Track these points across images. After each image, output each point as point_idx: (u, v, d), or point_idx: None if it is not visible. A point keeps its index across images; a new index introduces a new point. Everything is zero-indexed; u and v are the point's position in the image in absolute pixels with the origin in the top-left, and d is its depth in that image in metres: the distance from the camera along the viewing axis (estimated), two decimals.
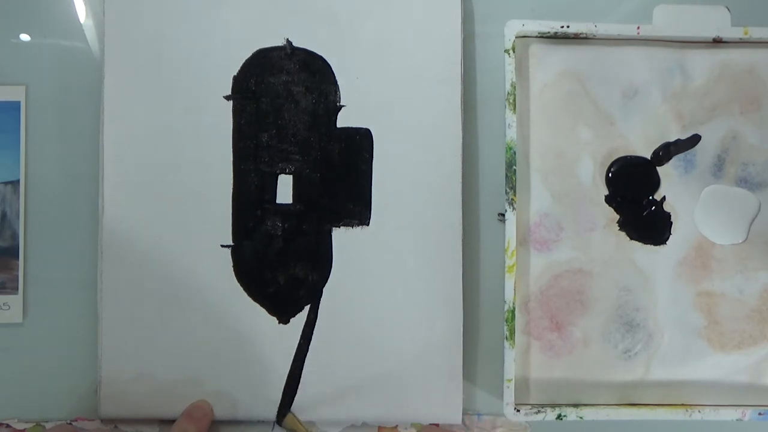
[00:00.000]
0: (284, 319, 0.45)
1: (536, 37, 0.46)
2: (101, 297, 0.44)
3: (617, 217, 0.47)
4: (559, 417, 0.45)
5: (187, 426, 0.42)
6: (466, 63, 0.46)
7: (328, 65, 0.45)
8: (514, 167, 0.45)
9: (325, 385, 0.45)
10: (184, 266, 0.45)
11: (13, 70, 0.46)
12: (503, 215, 0.45)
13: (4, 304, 0.46)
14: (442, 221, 0.45)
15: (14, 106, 0.46)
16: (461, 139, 0.45)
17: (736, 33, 0.46)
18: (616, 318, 0.46)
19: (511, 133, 0.45)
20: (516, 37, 0.45)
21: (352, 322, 0.45)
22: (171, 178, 0.45)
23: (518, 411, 0.44)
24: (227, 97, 0.45)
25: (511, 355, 0.44)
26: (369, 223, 0.45)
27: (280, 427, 0.45)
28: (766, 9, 0.47)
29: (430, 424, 0.46)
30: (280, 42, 0.45)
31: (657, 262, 0.46)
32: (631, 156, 0.47)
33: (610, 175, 0.47)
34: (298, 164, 0.45)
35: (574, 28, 0.46)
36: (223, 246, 0.45)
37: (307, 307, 0.45)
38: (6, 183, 0.46)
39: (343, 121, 0.46)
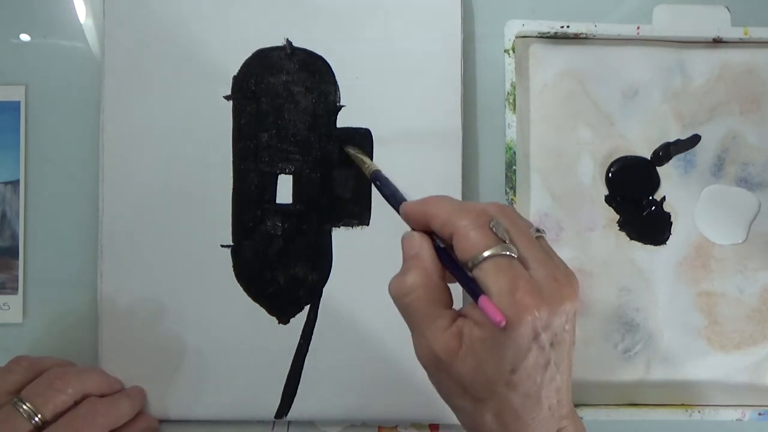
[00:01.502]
0: (284, 319, 0.45)
1: (536, 37, 0.46)
2: (101, 297, 0.44)
3: (617, 217, 0.47)
4: None
5: (121, 397, 0.42)
6: (466, 63, 0.46)
7: (328, 65, 0.45)
8: (514, 167, 0.45)
9: (325, 385, 0.45)
10: (184, 266, 0.45)
11: (13, 70, 0.46)
12: None
13: (4, 304, 0.46)
14: None
15: (14, 106, 0.46)
16: (461, 139, 0.45)
17: (736, 33, 0.46)
18: (616, 318, 0.46)
19: (511, 133, 0.45)
20: (516, 37, 0.46)
21: (352, 322, 0.45)
22: (171, 178, 0.45)
23: None
24: (227, 97, 0.45)
25: None
26: (369, 223, 0.45)
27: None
28: (766, 9, 0.47)
29: (431, 424, 0.46)
30: (280, 42, 0.45)
31: (657, 262, 0.46)
32: (631, 156, 0.47)
33: (610, 175, 0.47)
34: (298, 164, 0.45)
35: (574, 28, 0.46)
36: (223, 246, 0.45)
37: (307, 307, 0.45)
38: (6, 183, 0.46)
39: (343, 121, 0.45)
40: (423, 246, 0.33)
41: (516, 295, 0.29)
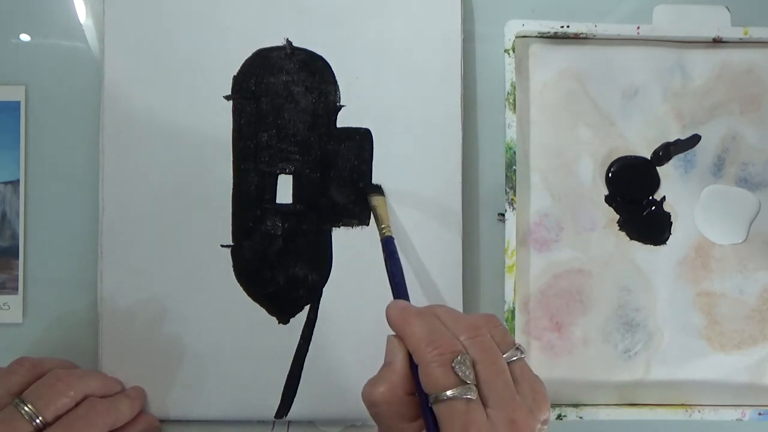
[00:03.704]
0: (284, 319, 0.45)
1: (536, 37, 0.46)
2: (101, 297, 0.44)
3: (617, 217, 0.47)
4: (559, 417, 0.45)
5: (121, 398, 0.42)
6: (466, 63, 0.46)
7: (328, 65, 0.45)
8: (514, 167, 0.45)
9: (325, 385, 0.45)
10: (184, 266, 0.45)
11: (13, 70, 0.46)
12: (503, 215, 0.45)
13: (4, 304, 0.46)
14: (442, 221, 0.45)
15: (14, 106, 0.46)
16: (461, 139, 0.45)
17: (736, 33, 0.46)
18: (616, 318, 0.46)
19: (511, 133, 0.45)
20: (516, 37, 0.46)
21: (352, 322, 0.45)
22: (171, 178, 0.45)
23: None
24: (227, 97, 0.45)
25: None
26: (369, 223, 0.45)
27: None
28: (766, 9, 0.47)
29: None
30: (280, 42, 0.45)
31: (657, 262, 0.46)
32: (631, 156, 0.47)
33: (610, 175, 0.47)
34: (298, 164, 0.45)
35: (574, 28, 0.46)
36: (223, 246, 0.45)
37: (306, 307, 0.45)
38: (6, 183, 0.46)
39: (343, 121, 0.45)
40: (397, 357, 0.34)
41: None
